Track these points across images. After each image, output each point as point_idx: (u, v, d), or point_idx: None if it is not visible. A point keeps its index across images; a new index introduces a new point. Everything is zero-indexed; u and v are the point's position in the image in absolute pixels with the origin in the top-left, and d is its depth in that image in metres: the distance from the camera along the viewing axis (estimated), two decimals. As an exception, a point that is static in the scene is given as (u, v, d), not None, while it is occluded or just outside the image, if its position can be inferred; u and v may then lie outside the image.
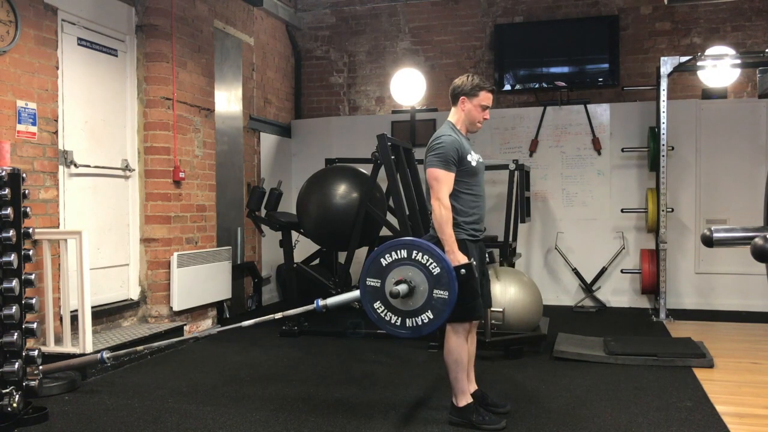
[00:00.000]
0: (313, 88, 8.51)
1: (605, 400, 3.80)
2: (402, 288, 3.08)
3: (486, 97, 3.46)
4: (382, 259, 3.17)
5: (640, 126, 7.05)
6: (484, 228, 3.52)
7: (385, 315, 3.18)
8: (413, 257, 3.12)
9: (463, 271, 3.13)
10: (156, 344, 4.17)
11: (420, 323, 3.12)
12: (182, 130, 5.58)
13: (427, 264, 3.09)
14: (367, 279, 3.21)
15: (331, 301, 3.54)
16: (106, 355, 3.97)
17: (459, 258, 3.21)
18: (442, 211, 3.24)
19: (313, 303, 3.58)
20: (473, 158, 3.42)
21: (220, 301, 6.12)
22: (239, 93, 6.93)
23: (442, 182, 3.28)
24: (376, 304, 3.19)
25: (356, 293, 3.34)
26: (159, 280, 5.41)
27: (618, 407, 3.68)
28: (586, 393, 3.96)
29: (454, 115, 3.52)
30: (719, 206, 6.84)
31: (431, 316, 3.10)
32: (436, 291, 3.08)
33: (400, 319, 3.16)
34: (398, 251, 3.15)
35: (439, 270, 3.08)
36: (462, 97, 3.47)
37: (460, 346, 3.35)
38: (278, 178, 6.64)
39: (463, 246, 3.30)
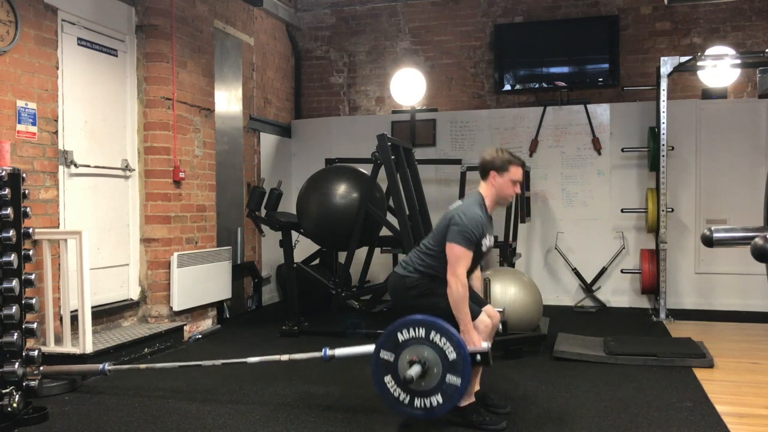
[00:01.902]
0: (313, 88, 8.51)
1: (605, 400, 3.80)
2: (415, 372, 3.05)
3: (516, 172, 3.42)
4: (399, 334, 3.15)
5: (640, 126, 7.05)
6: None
7: (395, 391, 3.15)
8: (431, 338, 3.09)
9: (479, 358, 3.13)
10: (159, 365, 4.18)
11: (429, 405, 3.09)
12: (182, 130, 5.58)
13: (444, 347, 3.07)
14: (382, 351, 3.18)
15: (339, 352, 3.54)
16: (107, 367, 3.98)
17: (474, 339, 3.20)
18: (459, 288, 3.22)
19: (321, 351, 3.59)
20: (485, 244, 3.42)
21: (220, 301, 6.12)
22: (239, 93, 6.93)
23: (461, 260, 3.26)
24: (387, 378, 3.17)
25: (367, 348, 3.33)
26: (159, 280, 5.41)
27: (618, 407, 3.68)
28: (586, 393, 3.96)
29: (486, 189, 3.47)
30: (719, 206, 6.84)
31: (441, 401, 3.08)
32: (449, 376, 3.06)
33: (409, 397, 3.13)
34: (417, 329, 3.12)
35: (455, 356, 3.06)
36: (492, 172, 3.43)
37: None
38: (278, 178, 6.64)
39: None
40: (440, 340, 3.07)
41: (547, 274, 7.31)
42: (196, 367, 4.21)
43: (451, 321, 3.23)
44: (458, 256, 3.25)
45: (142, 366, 4.19)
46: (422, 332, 3.10)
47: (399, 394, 3.13)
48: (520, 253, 7.22)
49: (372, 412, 3.64)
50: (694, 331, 5.60)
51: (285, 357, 3.77)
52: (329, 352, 3.55)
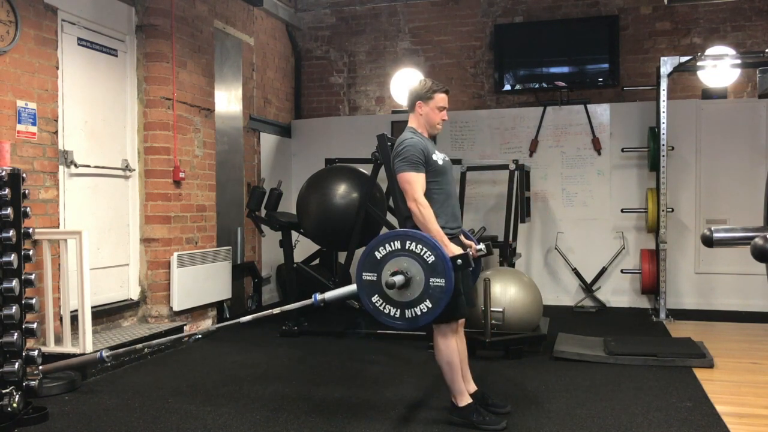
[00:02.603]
0: (313, 88, 8.51)
1: (605, 400, 3.80)
2: (398, 279, 3.09)
3: (441, 99, 3.51)
4: (376, 252, 3.18)
5: (640, 126, 7.05)
6: (459, 225, 3.54)
7: (384, 308, 3.18)
8: (407, 247, 3.13)
9: (459, 261, 3.14)
10: (155, 342, 4.17)
11: (419, 313, 3.12)
12: (182, 130, 5.58)
13: (422, 253, 3.10)
14: (363, 273, 3.22)
15: (329, 295, 3.55)
16: (105, 353, 3.96)
17: (452, 249, 3.22)
18: (422, 209, 3.27)
19: (311, 298, 3.58)
20: (439, 157, 3.47)
21: (220, 301, 6.12)
22: (239, 93, 6.93)
23: (414, 183, 3.32)
24: (374, 298, 3.20)
25: (354, 287, 3.35)
26: (159, 280, 5.41)
27: (618, 407, 3.68)
28: (586, 393, 3.96)
29: (414, 121, 3.58)
30: (719, 206, 6.84)
31: (429, 305, 3.10)
32: (432, 279, 3.09)
33: (398, 310, 3.16)
34: (392, 243, 3.16)
35: (433, 258, 3.09)
36: (418, 102, 3.53)
37: (449, 347, 3.36)
38: (278, 178, 6.64)
39: None
40: (416, 247, 3.11)
41: (547, 274, 7.31)
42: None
43: (455, 300, 3.23)
44: (409, 180, 3.32)
45: (139, 346, 4.19)
46: (398, 244, 3.14)
47: (389, 310, 3.17)
48: (520, 253, 7.22)
49: (372, 412, 3.64)
50: (694, 331, 5.60)
51: (277, 310, 3.78)
52: (319, 296, 3.56)
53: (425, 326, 3.28)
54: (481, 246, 3.46)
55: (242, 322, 3.83)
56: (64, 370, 4.04)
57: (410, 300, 3.13)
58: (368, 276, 3.21)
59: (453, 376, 3.38)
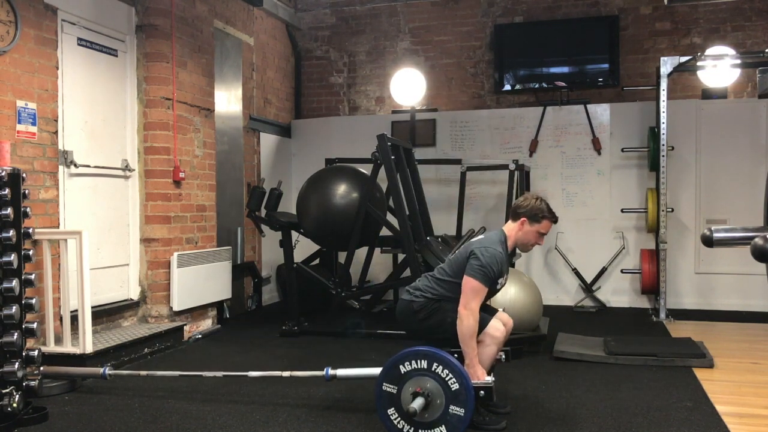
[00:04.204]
0: (313, 88, 8.51)
1: (605, 400, 3.80)
2: (418, 404, 3.04)
3: (546, 226, 3.44)
4: (401, 366, 3.14)
5: (640, 126, 7.05)
6: None
7: (398, 423, 3.14)
8: (433, 369, 3.09)
9: (482, 393, 3.14)
10: (159, 374, 4.16)
11: None
12: (182, 130, 5.58)
13: (446, 378, 3.06)
14: (384, 384, 3.18)
15: (342, 372, 3.56)
16: (108, 371, 3.96)
17: (479, 373, 3.20)
18: (471, 322, 3.22)
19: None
20: (501, 282, 3.41)
21: (220, 301, 6.12)
22: (239, 93, 6.93)
23: (477, 294, 3.26)
24: (390, 411, 3.16)
25: (369, 371, 3.33)
26: (159, 280, 5.41)
27: (618, 407, 3.68)
28: (586, 393, 3.96)
29: (512, 230, 3.47)
30: (719, 206, 6.84)
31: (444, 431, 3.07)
32: (452, 407, 3.05)
33: (412, 429, 3.12)
34: (419, 361, 3.11)
35: (457, 387, 3.05)
36: (524, 218, 3.43)
37: (484, 353, 3.33)
38: (278, 178, 6.64)
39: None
40: (442, 372, 3.08)
41: (547, 274, 7.31)
42: (195, 366, 4.20)
43: (456, 338, 3.24)
44: (475, 290, 3.26)
45: (143, 373, 4.16)
46: (424, 364, 3.11)
47: (403, 426, 3.13)
48: (521, 253, 7.21)
49: (372, 412, 3.63)
50: (694, 331, 5.60)
51: (286, 374, 3.79)
52: (331, 372, 3.57)
53: None
54: (501, 356, 3.44)
55: (250, 376, 3.89)
56: (63, 377, 4.04)
57: (427, 422, 3.09)
58: (388, 387, 3.17)
59: None
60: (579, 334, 5.39)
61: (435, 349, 3.16)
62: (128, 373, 4.18)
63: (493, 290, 3.39)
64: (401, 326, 3.61)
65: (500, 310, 3.62)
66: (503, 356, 3.43)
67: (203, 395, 3.98)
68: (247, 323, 6.34)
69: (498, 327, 3.36)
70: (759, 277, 5.99)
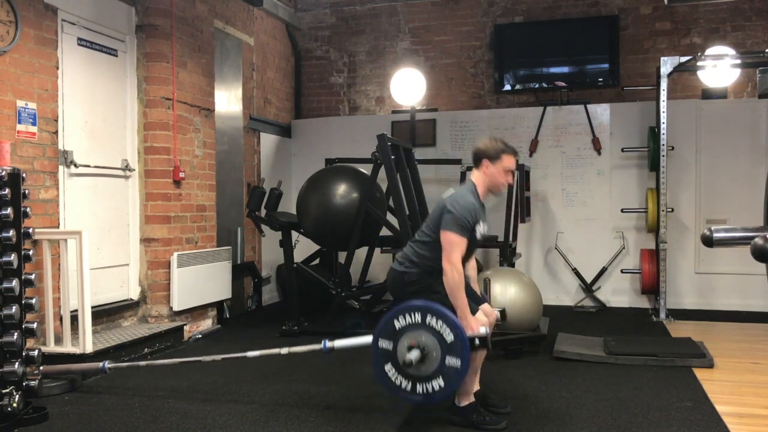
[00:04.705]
0: (313, 88, 8.51)
1: (605, 400, 3.80)
2: (414, 355, 3.04)
3: (509, 162, 3.43)
4: (395, 322, 3.14)
5: (640, 126, 7.05)
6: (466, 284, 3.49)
7: (396, 379, 3.13)
8: (427, 322, 3.08)
9: (477, 342, 3.13)
10: (159, 362, 4.16)
11: (431, 390, 3.08)
12: (182, 130, 5.58)
13: (441, 330, 3.06)
14: (380, 340, 3.17)
15: (339, 343, 3.53)
16: (108, 365, 3.97)
17: (472, 324, 3.20)
18: (455, 275, 3.22)
19: (320, 343, 3.58)
20: (479, 231, 3.41)
21: (220, 301, 6.12)
22: (239, 93, 6.93)
23: (456, 246, 3.26)
24: (387, 367, 3.15)
25: (366, 339, 3.32)
26: (159, 280, 5.41)
27: (618, 407, 3.68)
28: (586, 393, 3.96)
29: (478, 178, 3.48)
30: (719, 206, 6.84)
31: (442, 384, 3.06)
32: (449, 358, 3.04)
33: (410, 384, 3.11)
34: (413, 314, 3.11)
35: (452, 338, 3.05)
36: (485, 161, 3.44)
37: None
38: (278, 178, 6.64)
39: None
40: (437, 323, 3.07)
41: (547, 274, 7.30)
42: (195, 363, 4.21)
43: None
44: (453, 242, 3.27)
45: (142, 363, 4.18)
46: (418, 317, 3.10)
47: (401, 382, 3.13)
48: (520, 253, 7.21)
49: (372, 412, 3.64)
50: (694, 331, 5.60)
51: (285, 350, 3.77)
52: (329, 344, 3.54)
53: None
54: (498, 314, 3.44)
55: (249, 356, 3.87)
56: (63, 375, 4.04)
57: (424, 375, 3.09)
58: (384, 344, 3.16)
59: (467, 378, 3.36)
60: (579, 334, 5.39)
61: (428, 302, 3.17)
62: (128, 365, 4.16)
63: (474, 240, 3.39)
64: (393, 297, 3.61)
65: (486, 302, 3.62)
66: (499, 315, 3.43)
67: (203, 395, 3.98)
68: (247, 323, 6.34)
69: (481, 318, 3.37)
70: (759, 277, 5.99)
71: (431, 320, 3.08)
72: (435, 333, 3.06)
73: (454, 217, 3.28)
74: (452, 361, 3.04)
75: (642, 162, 7.01)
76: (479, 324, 3.25)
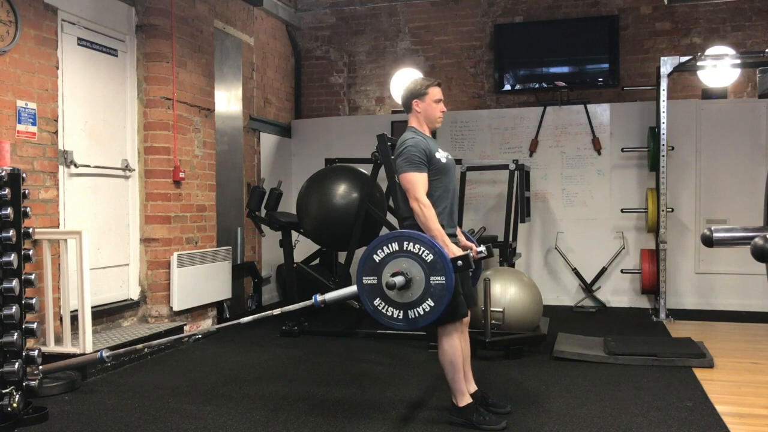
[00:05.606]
0: (313, 88, 8.51)
1: (605, 400, 3.80)
2: (398, 279, 3.09)
3: (436, 92, 3.55)
4: (374, 256, 3.19)
5: (640, 126, 7.05)
6: (455, 226, 3.54)
7: (386, 310, 3.18)
8: (405, 248, 3.14)
9: (459, 262, 3.15)
10: (156, 342, 4.16)
11: (421, 313, 3.13)
12: (182, 130, 5.58)
13: (420, 253, 3.11)
14: (364, 278, 3.22)
15: (330, 296, 3.54)
16: (105, 353, 3.96)
17: (453, 250, 3.23)
18: (424, 209, 3.28)
19: (311, 299, 3.58)
20: (442, 155, 3.49)
21: (220, 301, 6.12)
22: (239, 93, 6.93)
23: (416, 183, 3.33)
24: (376, 301, 3.20)
25: (354, 288, 3.34)
26: (159, 280, 5.41)
27: (618, 407, 3.68)
28: (586, 393, 3.96)
29: (414, 120, 3.61)
30: (719, 206, 6.84)
31: (432, 304, 3.10)
32: (432, 278, 3.09)
33: (400, 312, 3.16)
34: (389, 245, 3.16)
35: (432, 257, 3.09)
36: (414, 101, 3.56)
37: (453, 347, 3.36)
38: (278, 178, 6.64)
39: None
40: (414, 247, 3.12)
41: (547, 274, 7.31)
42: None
43: (455, 299, 3.24)
44: (411, 180, 3.33)
45: (139, 346, 4.18)
46: (395, 246, 3.15)
47: (392, 312, 3.17)
48: (520, 253, 7.22)
49: (372, 412, 3.64)
50: (694, 331, 5.60)
51: (277, 311, 3.76)
52: (320, 297, 3.55)
53: (427, 327, 3.27)
54: (482, 248, 3.47)
55: (242, 323, 3.82)
56: (64, 369, 4.04)
57: (412, 300, 3.13)
58: (368, 280, 3.21)
59: (455, 376, 3.38)
60: (579, 334, 5.39)
61: (402, 230, 3.26)
62: (125, 350, 4.13)
63: (442, 168, 3.43)
64: None
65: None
66: (485, 249, 3.46)
67: (203, 395, 3.98)
68: (248, 324, 6.32)
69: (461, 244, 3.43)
70: (759, 277, 5.99)
71: (408, 245, 3.13)
72: (415, 256, 3.11)
73: (404, 159, 3.37)
74: (437, 279, 3.08)
75: (642, 162, 7.01)
76: (459, 249, 3.28)
